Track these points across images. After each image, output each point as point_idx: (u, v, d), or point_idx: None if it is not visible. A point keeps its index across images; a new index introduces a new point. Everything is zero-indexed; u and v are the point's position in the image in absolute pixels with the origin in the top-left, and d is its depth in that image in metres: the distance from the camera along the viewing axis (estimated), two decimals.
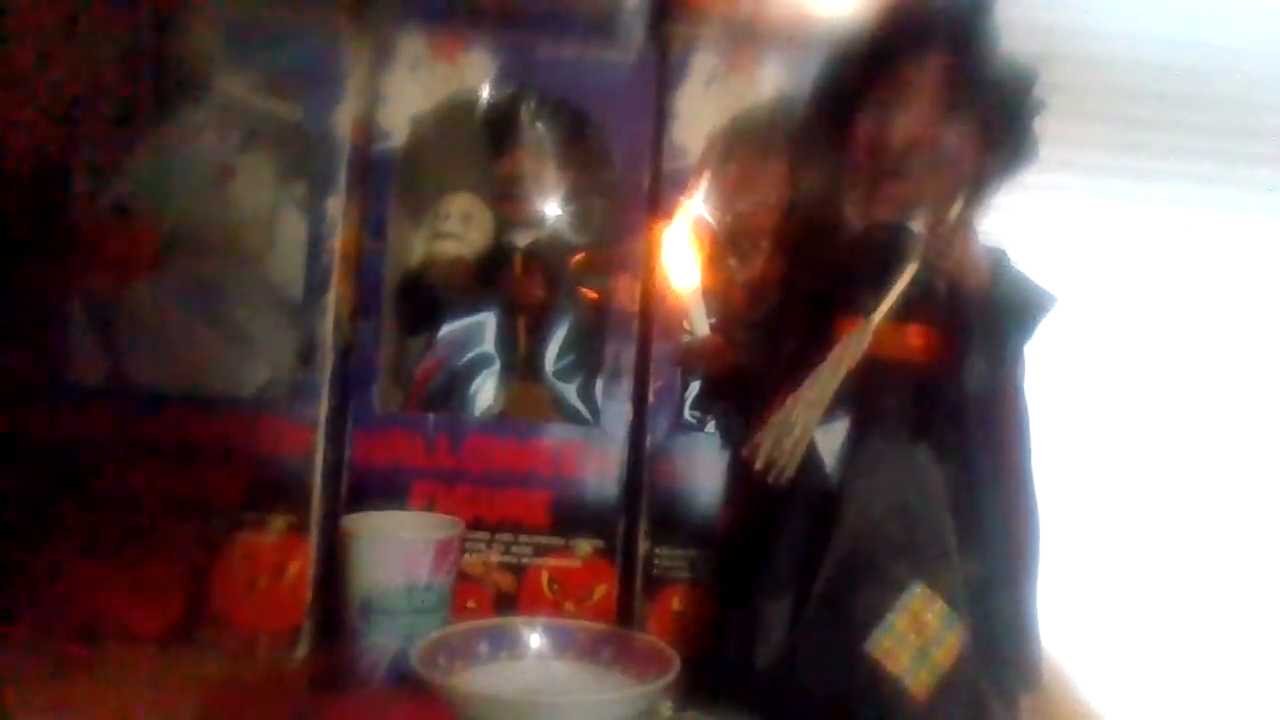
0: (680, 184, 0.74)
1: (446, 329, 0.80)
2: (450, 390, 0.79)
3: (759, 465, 0.58)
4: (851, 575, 0.57)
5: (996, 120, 0.60)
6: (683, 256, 0.68)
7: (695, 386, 0.77)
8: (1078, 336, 0.95)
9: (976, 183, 0.62)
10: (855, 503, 0.59)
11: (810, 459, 0.59)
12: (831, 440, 0.59)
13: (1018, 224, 0.93)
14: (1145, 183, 0.98)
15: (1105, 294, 0.98)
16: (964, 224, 0.58)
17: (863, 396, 0.59)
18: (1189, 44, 0.96)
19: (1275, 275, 0.98)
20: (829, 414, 0.59)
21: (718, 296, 0.71)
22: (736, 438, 0.66)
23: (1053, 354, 0.73)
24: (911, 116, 0.58)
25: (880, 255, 0.60)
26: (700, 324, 0.67)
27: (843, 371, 0.57)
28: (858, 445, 0.59)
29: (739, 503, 0.64)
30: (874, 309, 0.59)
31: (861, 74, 0.59)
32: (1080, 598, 0.91)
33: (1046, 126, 0.95)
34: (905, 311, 0.59)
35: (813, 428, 0.57)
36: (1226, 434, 1.01)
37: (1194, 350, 1.00)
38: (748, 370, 0.64)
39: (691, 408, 0.78)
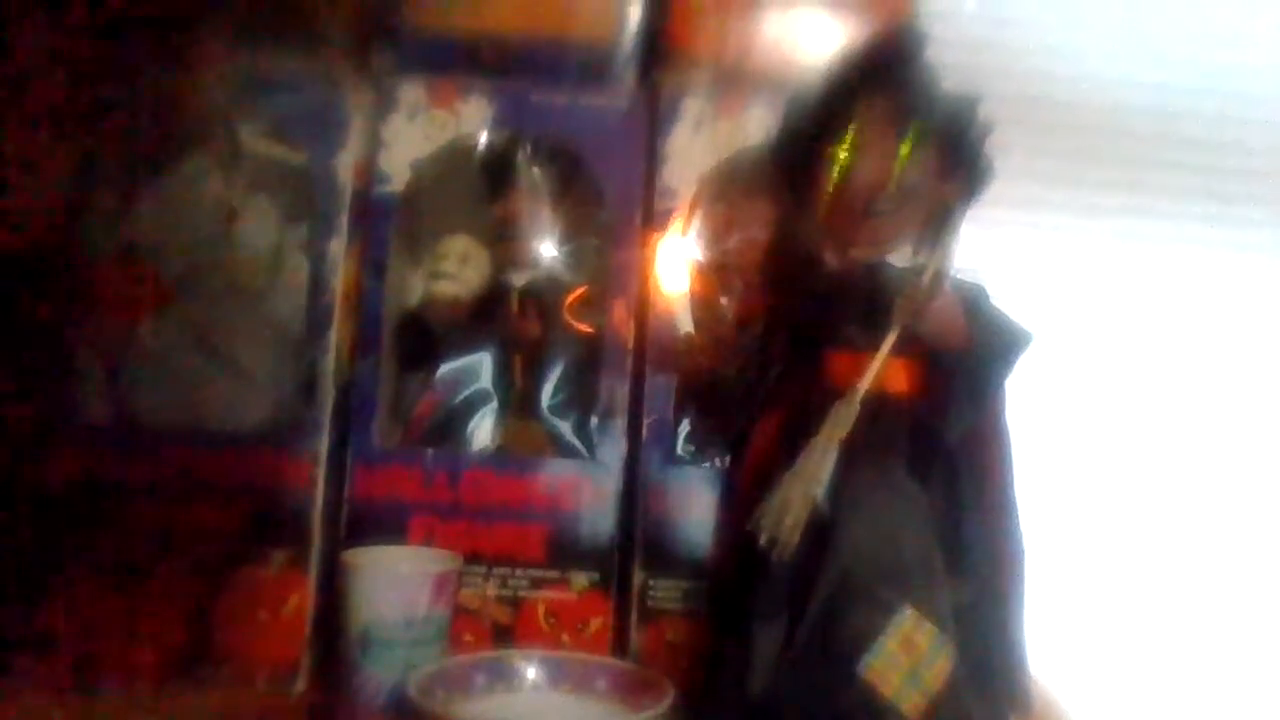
0: (670, 224, 0.77)
1: (444, 367, 0.82)
2: (448, 427, 0.81)
3: (762, 543, 0.59)
4: (842, 600, 0.59)
5: (950, 148, 0.63)
6: (673, 266, 0.71)
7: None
8: (1067, 372, 0.98)
9: (942, 211, 0.64)
10: (846, 531, 0.60)
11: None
12: (827, 474, 0.61)
13: (1006, 261, 0.98)
14: (1136, 219, 1.00)
15: (1094, 331, 1.00)
16: (936, 283, 0.60)
17: (851, 428, 0.61)
18: (1177, 87, 0.99)
19: (1265, 312, 1.00)
20: (826, 456, 0.60)
21: (708, 330, 0.73)
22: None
23: (1039, 389, 0.76)
24: (871, 159, 0.60)
25: (862, 293, 0.62)
26: (684, 324, 0.70)
27: (835, 446, 0.59)
28: (848, 475, 0.61)
29: (729, 530, 0.65)
30: (861, 347, 0.61)
31: (815, 121, 0.62)
32: (1067, 621, 0.91)
33: (1035, 166, 0.99)
34: (904, 350, 0.61)
35: (811, 503, 0.59)
36: (1216, 466, 1.02)
37: (1177, 383, 1.02)
38: (728, 382, 0.66)
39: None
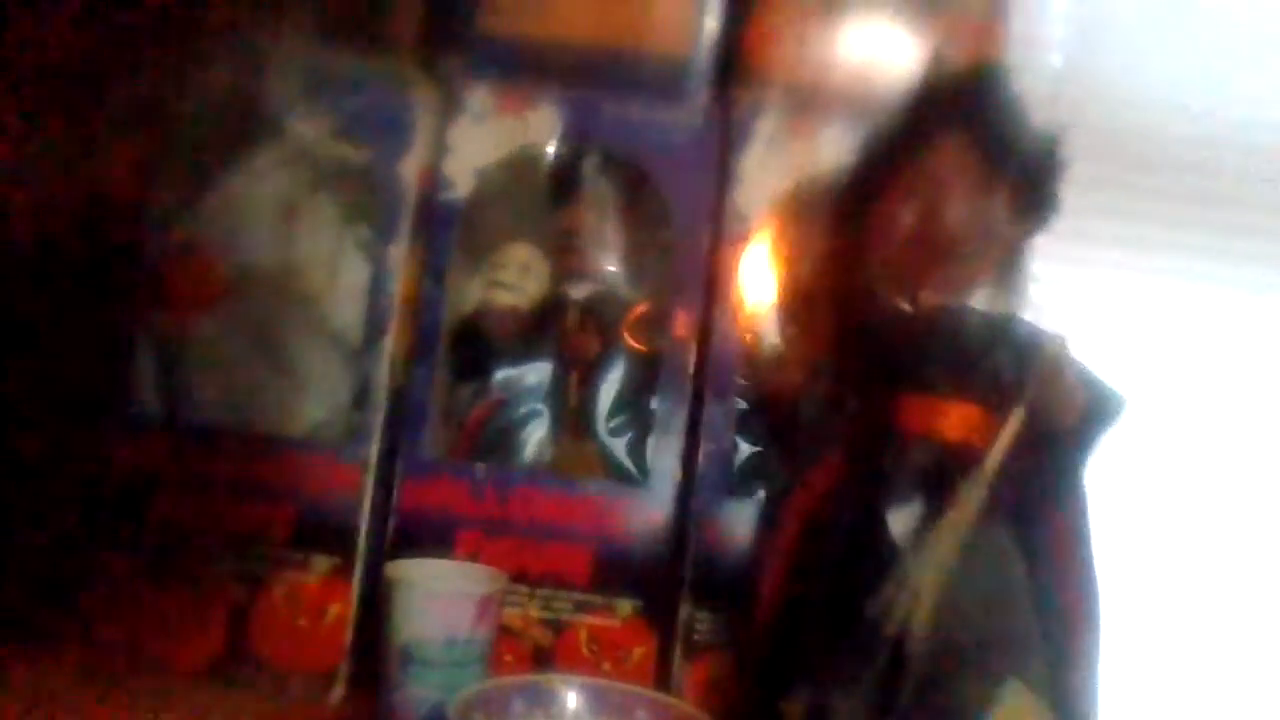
0: (740, 247, 0.75)
1: (498, 378, 0.80)
2: (500, 440, 0.80)
3: (891, 632, 0.57)
4: (948, 669, 0.56)
5: (1026, 188, 0.61)
6: (759, 275, 0.68)
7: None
8: (1155, 428, 0.93)
9: (1014, 252, 0.62)
10: (950, 597, 0.57)
11: (880, 541, 0.58)
12: (904, 524, 0.58)
13: (1093, 303, 0.94)
14: (1209, 260, 0.96)
15: (1183, 380, 0.95)
16: (1066, 357, 0.58)
17: (935, 480, 0.58)
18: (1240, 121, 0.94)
19: None
20: (901, 496, 0.58)
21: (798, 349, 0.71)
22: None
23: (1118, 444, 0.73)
24: (952, 200, 0.58)
25: (939, 337, 0.59)
26: (773, 337, 0.68)
27: (965, 528, 0.57)
28: (935, 530, 0.58)
29: (779, 576, 0.63)
30: (936, 392, 0.58)
31: (892, 154, 0.59)
32: (1138, 682, 0.88)
33: (1122, 202, 0.95)
34: (974, 395, 0.59)
35: (942, 589, 0.57)
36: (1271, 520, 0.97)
37: (1232, 429, 0.97)
38: (809, 407, 0.64)
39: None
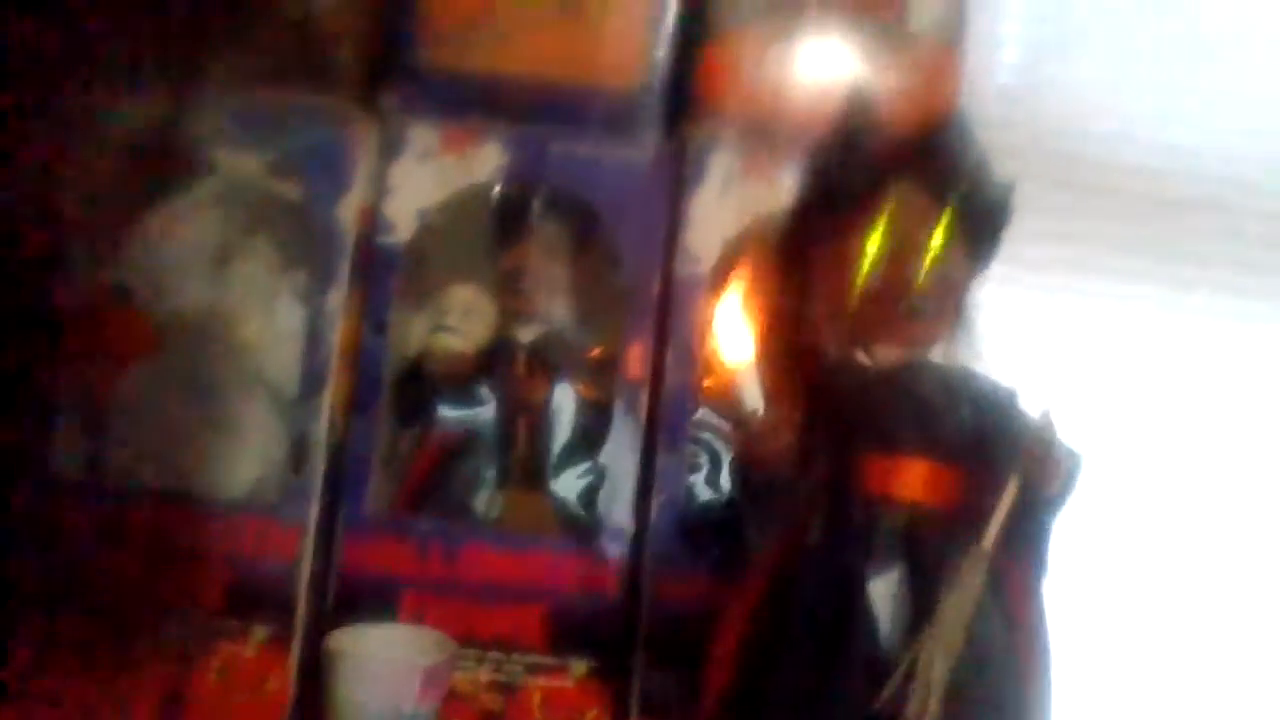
0: (693, 290, 0.72)
1: (443, 426, 0.77)
2: (444, 491, 0.76)
3: None
4: None
5: (981, 236, 0.60)
6: (733, 328, 0.63)
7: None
8: (1100, 444, 0.93)
9: (964, 300, 0.61)
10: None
11: (856, 609, 0.56)
12: (884, 590, 0.56)
13: (1037, 329, 0.93)
14: (1176, 289, 0.95)
15: (1128, 402, 0.95)
16: (1053, 430, 0.56)
17: (915, 545, 0.56)
18: (1221, 151, 0.93)
19: None
20: (883, 563, 0.56)
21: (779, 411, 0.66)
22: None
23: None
24: (910, 253, 0.56)
25: (903, 394, 0.57)
26: (751, 402, 0.61)
27: (970, 606, 0.55)
28: (918, 597, 0.56)
29: (743, 647, 0.60)
30: (903, 452, 0.57)
31: (841, 204, 0.57)
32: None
33: (1072, 228, 0.94)
34: (936, 453, 0.57)
35: (952, 668, 0.54)
36: (1251, 544, 0.97)
37: (1216, 459, 0.97)
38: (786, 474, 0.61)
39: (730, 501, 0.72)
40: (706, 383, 0.70)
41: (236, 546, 0.69)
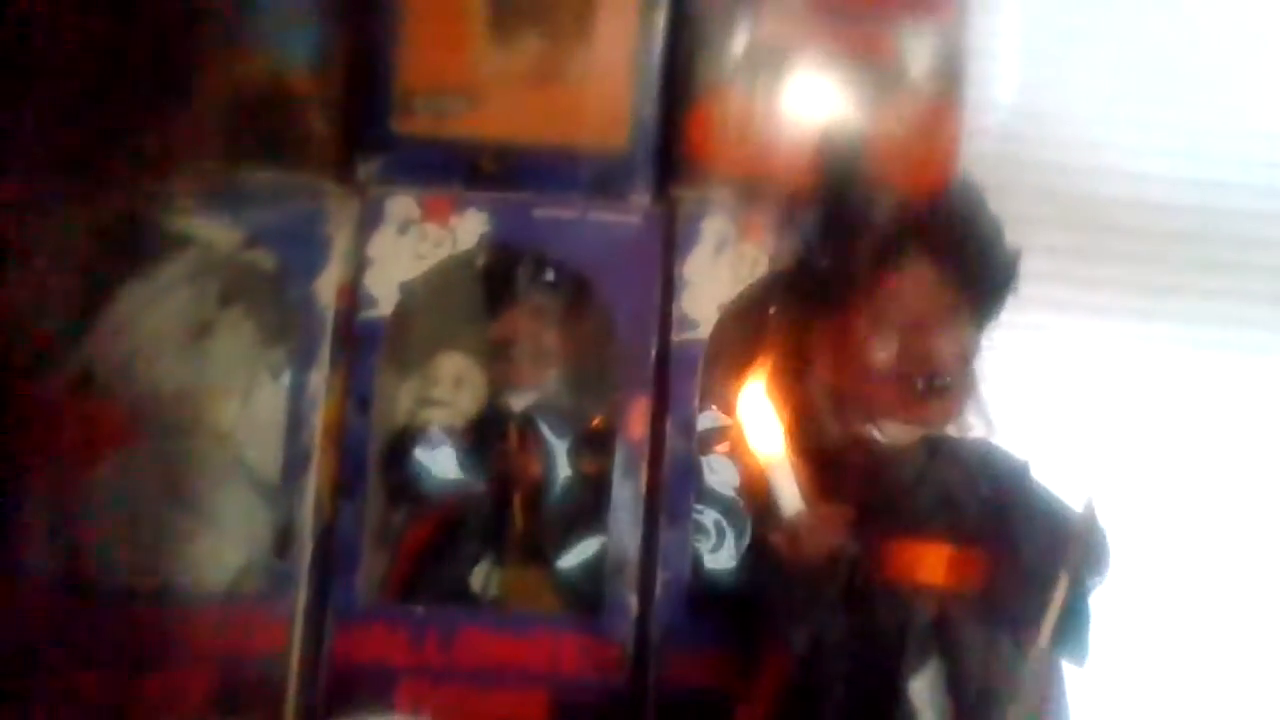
0: (690, 357, 0.70)
1: (435, 502, 0.74)
2: (439, 570, 0.73)
3: None
4: None
5: (987, 303, 0.59)
6: (762, 415, 0.57)
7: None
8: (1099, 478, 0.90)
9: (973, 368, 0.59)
10: None
11: (900, 714, 0.53)
12: (924, 689, 0.54)
13: (1033, 367, 0.90)
14: (1155, 323, 0.93)
15: (1125, 439, 0.92)
16: (1096, 525, 0.54)
17: (949, 635, 0.54)
18: (1197, 182, 0.92)
19: None
20: (919, 658, 0.53)
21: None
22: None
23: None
24: (928, 329, 0.53)
25: (931, 475, 0.55)
26: (791, 499, 0.56)
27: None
28: (960, 692, 0.54)
29: None
30: (927, 536, 0.54)
31: (854, 281, 0.55)
32: None
33: (1068, 267, 0.92)
34: (959, 535, 0.55)
35: None
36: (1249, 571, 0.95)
37: (1206, 491, 0.94)
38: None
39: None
40: (740, 478, 0.66)
41: (221, 641, 0.66)
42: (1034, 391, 0.92)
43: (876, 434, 0.56)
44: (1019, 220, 0.87)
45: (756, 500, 0.58)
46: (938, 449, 0.57)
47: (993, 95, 0.89)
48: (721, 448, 0.73)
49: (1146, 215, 0.91)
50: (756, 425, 0.56)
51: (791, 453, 0.55)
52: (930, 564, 0.55)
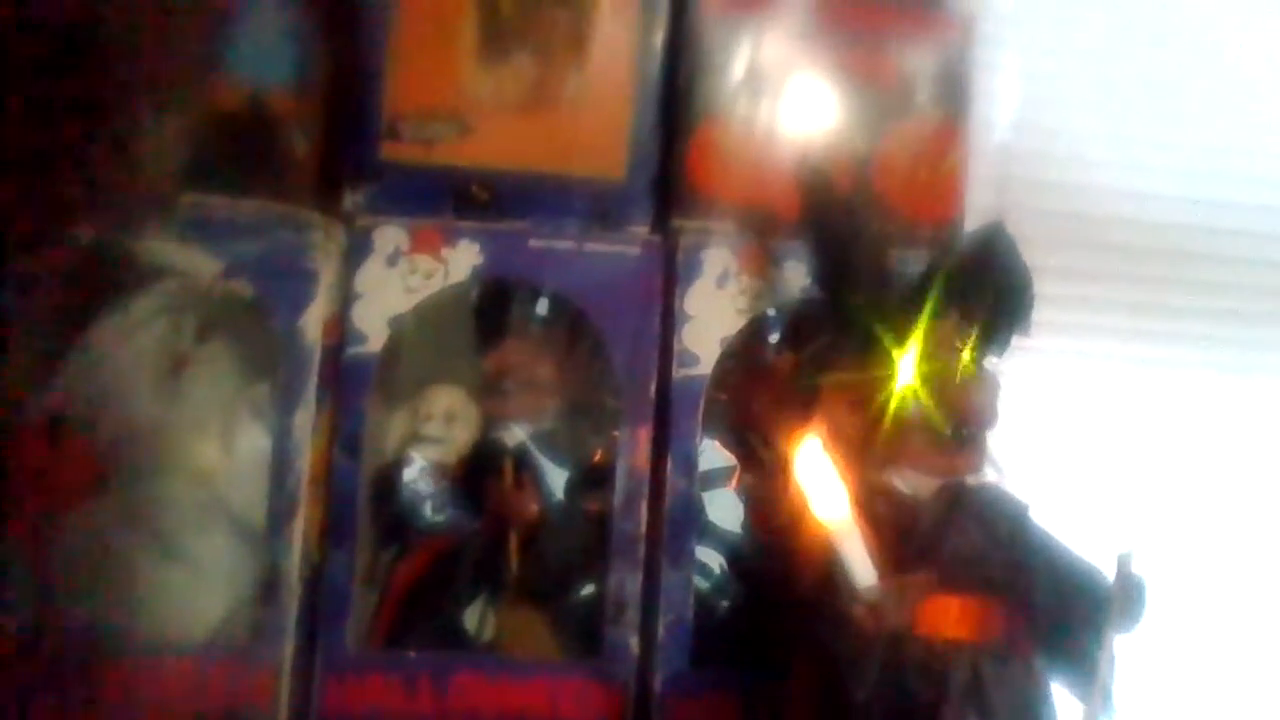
0: (691, 392, 0.67)
1: (427, 541, 0.72)
2: (432, 612, 0.71)
3: None
4: None
5: (1004, 346, 0.58)
6: (824, 478, 0.53)
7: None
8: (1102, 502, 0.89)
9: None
10: None
11: None
12: None
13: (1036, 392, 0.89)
14: (1162, 345, 0.92)
15: (1129, 463, 0.91)
16: (1134, 580, 0.53)
17: (982, 690, 0.52)
18: (1201, 202, 0.91)
19: None
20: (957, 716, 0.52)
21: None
22: None
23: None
24: (956, 379, 0.52)
25: (955, 526, 0.54)
26: (865, 568, 0.52)
27: None
28: None
29: None
30: (959, 588, 0.52)
31: (870, 329, 0.53)
32: None
33: (1073, 290, 0.91)
34: (996, 588, 0.53)
35: None
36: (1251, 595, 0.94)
37: (1210, 512, 0.94)
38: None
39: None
40: (801, 545, 0.57)
41: (204, 694, 0.63)
42: (1038, 418, 0.91)
43: (899, 483, 0.54)
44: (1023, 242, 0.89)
45: (820, 572, 0.54)
46: (958, 498, 0.55)
47: (994, 115, 0.88)
48: (729, 485, 0.71)
49: (1150, 235, 0.90)
50: (819, 490, 0.52)
51: (859, 518, 0.52)
52: (960, 618, 0.54)
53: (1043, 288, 0.87)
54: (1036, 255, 0.86)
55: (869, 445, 0.54)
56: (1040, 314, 0.88)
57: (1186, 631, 0.90)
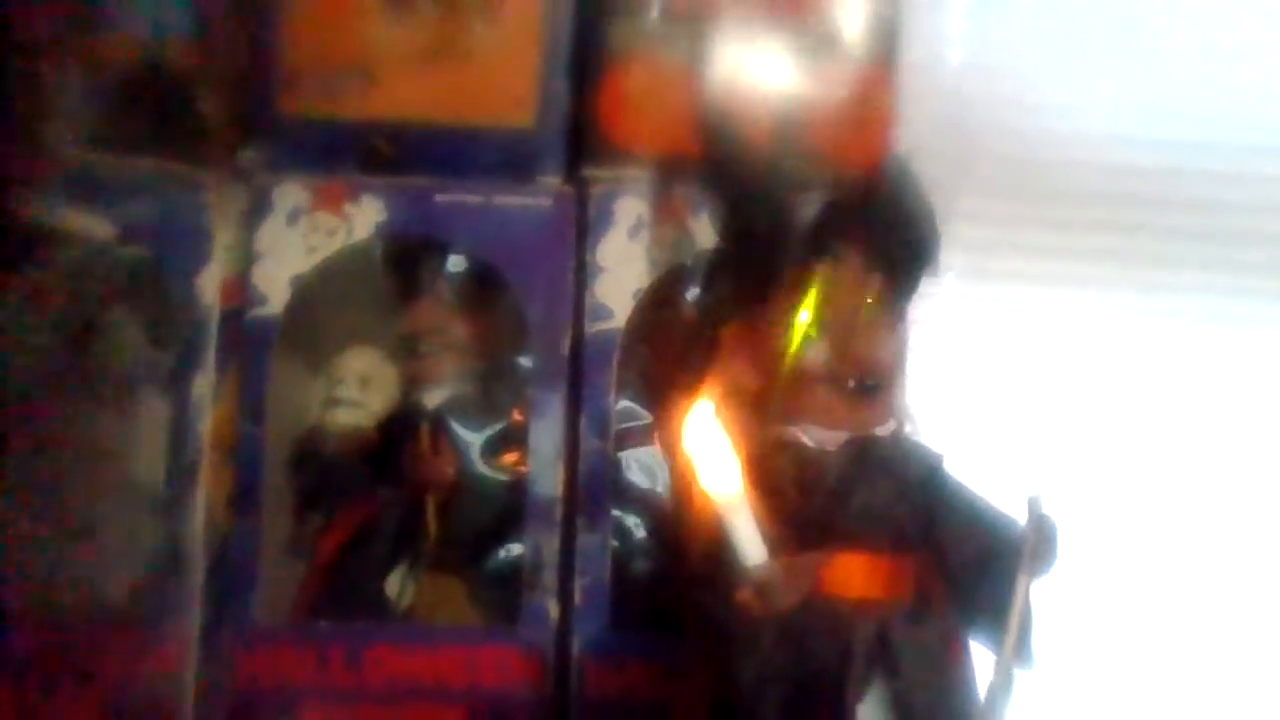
0: (605, 348, 0.65)
1: (350, 510, 0.70)
2: (353, 582, 0.69)
3: None
4: None
5: (912, 288, 0.54)
6: (714, 448, 0.49)
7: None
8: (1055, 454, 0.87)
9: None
10: None
11: None
12: (871, 714, 0.50)
13: (990, 340, 0.86)
14: (1135, 292, 0.89)
15: (1087, 413, 0.89)
16: (1045, 521, 0.50)
17: (890, 651, 0.50)
18: (1182, 144, 0.87)
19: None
20: (862, 680, 0.50)
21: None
22: None
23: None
24: (859, 327, 0.49)
25: (863, 482, 0.51)
26: (754, 546, 0.49)
27: None
28: (906, 711, 0.51)
29: None
30: (865, 548, 0.50)
31: (767, 275, 0.50)
32: None
33: (1023, 236, 0.88)
34: (906, 545, 0.51)
35: None
36: (1223, 548, 0.92)
37: (1188, 464, 0.91)
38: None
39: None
40: (685, 517, 0.55)
41: (110, 667, 0.62)
42: (984, 366, 0.88)
43: (801, 437, 0.52)
44: (968, 188, 0.86)
45: (709, 544, 0.50)
46: (865, 452, 0.52)
47: (935, 54, 0.84)
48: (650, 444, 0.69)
49: (1102, 178, 0.87)
50: (708, 460, 0.49)
51: (752, 492, 0.48)
52: (867, 576, 0.51)
53: (988, 234, 0.86)
54: (982, 201, 0.86)
55: (770, 398, 0.51)
56: (987, 261, 0.87)
57: (1112, 582, 0.88)
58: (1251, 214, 0.88)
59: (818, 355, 0.50)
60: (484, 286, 0.68)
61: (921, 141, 0.81)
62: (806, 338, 0.50)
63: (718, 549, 0.48)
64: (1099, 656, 0.84)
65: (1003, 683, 0.50)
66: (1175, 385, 0.87)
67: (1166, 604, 0.87)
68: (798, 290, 0.50)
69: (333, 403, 0.70)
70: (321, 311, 0.68)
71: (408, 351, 0.70)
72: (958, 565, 0.53)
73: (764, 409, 0.52)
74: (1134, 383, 0.86)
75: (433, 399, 0.70)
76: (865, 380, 0.51)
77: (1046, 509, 0.50)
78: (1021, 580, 0.49)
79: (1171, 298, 0.86)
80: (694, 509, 0.50)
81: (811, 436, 0.52)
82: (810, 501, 0.51)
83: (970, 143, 0.85)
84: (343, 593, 0.69)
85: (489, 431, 0.69)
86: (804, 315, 0.50)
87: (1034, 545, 0.49)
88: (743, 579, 0.48)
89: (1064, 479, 0.84)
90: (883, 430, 0.53)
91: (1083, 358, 0.89)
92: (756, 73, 0.67)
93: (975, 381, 0.84)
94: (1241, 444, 0.87)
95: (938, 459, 0.54)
